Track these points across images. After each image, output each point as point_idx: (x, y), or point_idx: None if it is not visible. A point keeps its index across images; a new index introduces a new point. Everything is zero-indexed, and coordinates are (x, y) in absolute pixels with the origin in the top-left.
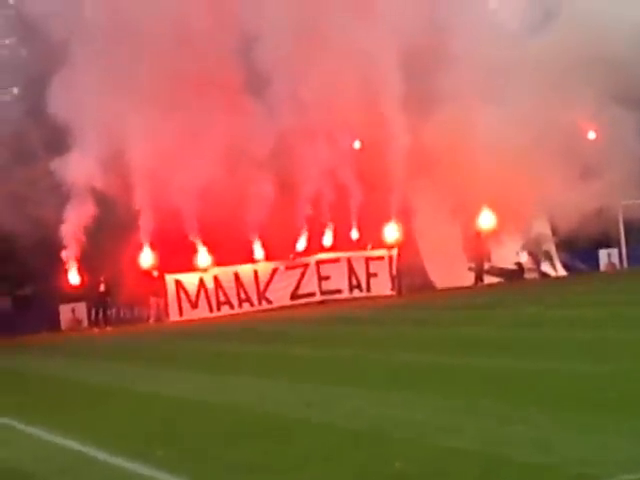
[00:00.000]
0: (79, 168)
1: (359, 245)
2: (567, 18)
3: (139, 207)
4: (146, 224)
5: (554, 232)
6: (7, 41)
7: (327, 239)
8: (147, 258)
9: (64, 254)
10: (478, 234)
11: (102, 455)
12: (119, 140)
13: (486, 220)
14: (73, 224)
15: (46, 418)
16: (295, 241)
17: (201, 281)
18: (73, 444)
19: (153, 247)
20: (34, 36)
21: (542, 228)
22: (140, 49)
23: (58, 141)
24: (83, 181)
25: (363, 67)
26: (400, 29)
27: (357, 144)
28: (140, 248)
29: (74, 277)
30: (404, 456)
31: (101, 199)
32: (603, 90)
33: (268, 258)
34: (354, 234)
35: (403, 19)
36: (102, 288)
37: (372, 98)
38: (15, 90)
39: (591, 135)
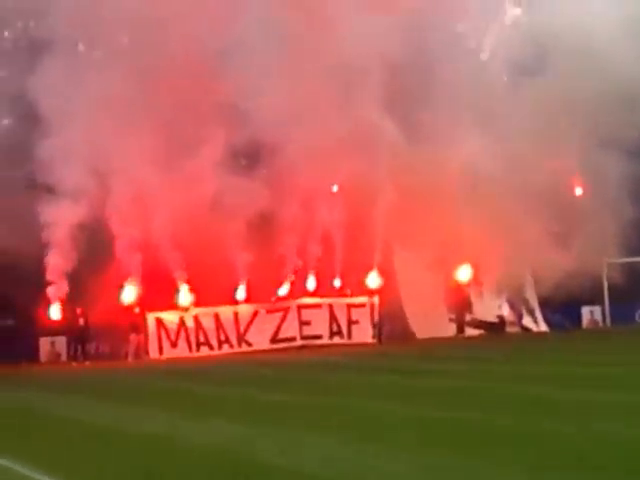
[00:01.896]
0: (62, 204)
1: (341, 292)
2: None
3: (121, 242)
4: (128, 259)
5: (537, 287)
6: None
7: (310, 284)
8: (128, 294)
9: (49, 290)
10: (459, 285)
11: None
12: (104, 174)
13: (466, 273)
14: (57, 257)
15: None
16: (278, 285)
17: (182, 320)
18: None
19: (135, 283)
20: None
21: (525, 283)
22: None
23: (43, 175)
24: (67, 216)
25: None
26: (386, 66)
27: (335, 188)
28: (122, 284)
29: (55, 312)
30: None
31: (84, 233)
32: (588, 139)
33: (249, 300)
34: (337, 281)
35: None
36: (82, 322)
37: (358, 142)
38: (6, 122)
39: (578, 191)
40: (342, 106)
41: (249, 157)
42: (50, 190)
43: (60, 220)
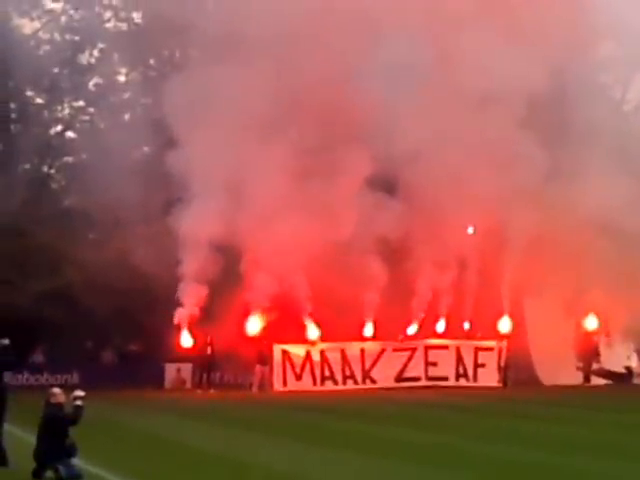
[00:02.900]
0: (196, 222)
1: (470, 335)
2: None
3: (251, 270)
4: (258, 289)
5: None
6: (144, 100)
7: (440, 326)
8: (255, 325)
9: (178, 312)
10: (588, 334)
11: None
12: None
13: (594, 322)
14: (190, 280)
15: (139, 475)
16: (407, 324)
17: (308, 354)
18: None
19: (263, 314)
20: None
21: None
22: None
23: (178, 200)
24: (201, 235)
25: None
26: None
27: (471, 230)
28: (250, 313)
29: (186, 339)
30: None
31: (219, 257)
32: None
33: (377, 338)
34: (466, 324)
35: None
36: (209, 350)
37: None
38: (146, 149)
39: None
40: (482, 132)
41: (385, 188)
42: (185, 205)
43: (195, 239)
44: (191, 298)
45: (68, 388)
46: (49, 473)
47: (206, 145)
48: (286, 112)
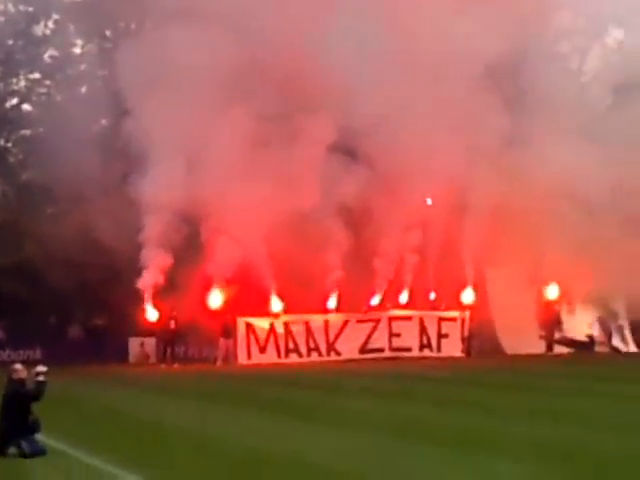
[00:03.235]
0: (156, 187)
1: (434, 306)
2: None
3: (212, 238)
4: (220, 259)
5: (628, 308)
6: (100, 72)
7: (403, 297)
8: (219, 298)
9: (142, 280)
10: (550, 303)
11: None
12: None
13: (555, 291)
14: (153, 246)
15: (108, 451)
16: (370, 296)
17: (272, 326)
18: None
19: (226, 287)
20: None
21: (616, 303)
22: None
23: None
24: (161, 200)
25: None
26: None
27: (429, 201)
28: (213, 287)
29: (151, 312)
30: None
31: (180, 226)
32: None
33: (340, 310)
34: (431, 295)
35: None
36: (173, 325)
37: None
38: (104, 121)
39: None
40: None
41: (347, 156)
42: (144, 173)
43: (156, 204)
44: (155, 264)
45: (31, 364)
46: (12, 450)
47: (163, 112)
48: (246, 79)
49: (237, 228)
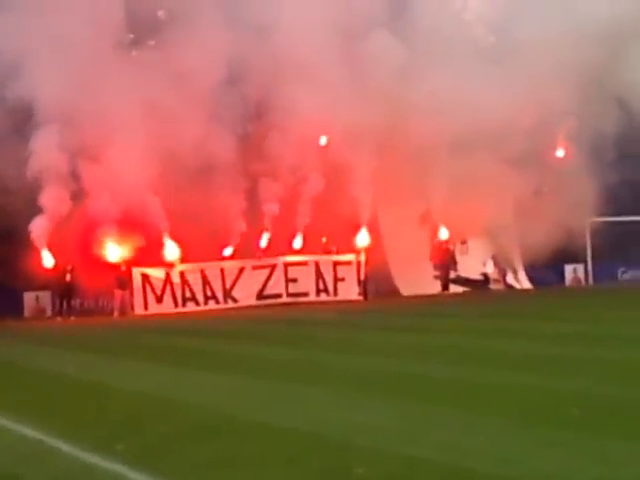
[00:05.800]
0: (46, 151)
1: (327, 250)
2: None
3: (105, 197)
4: (112, 215)
5: (521, 245)
6: None
7: (297, 242)
8: (113, 250)
9: (34, 235)
10: (443, 243)
11: (62, 446)
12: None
13: (447, 231)
14: (49, 187)
15: (5, 407)
16: (259, 238)
17: (167, 276)
18: (33, 434)
19: (120, 239)
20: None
21: (509, 241)
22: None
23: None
24: (51, 163)
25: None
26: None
27: (324, 140)
28: (107, 239)
29: (47, 258)
30: (365, 463)
31: (70, 184)
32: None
33: (236, 256)
34: (323, 239)
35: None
36: (68, 278)
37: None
38: None
39: (559, 153)
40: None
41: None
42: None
43: (47, 153)
44: (51, 204)
45: None
46: None
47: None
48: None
49: (123, 174)
